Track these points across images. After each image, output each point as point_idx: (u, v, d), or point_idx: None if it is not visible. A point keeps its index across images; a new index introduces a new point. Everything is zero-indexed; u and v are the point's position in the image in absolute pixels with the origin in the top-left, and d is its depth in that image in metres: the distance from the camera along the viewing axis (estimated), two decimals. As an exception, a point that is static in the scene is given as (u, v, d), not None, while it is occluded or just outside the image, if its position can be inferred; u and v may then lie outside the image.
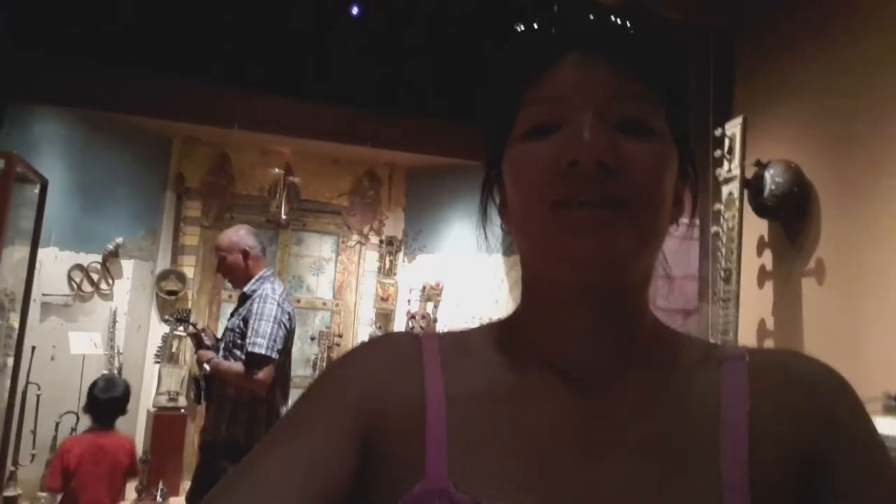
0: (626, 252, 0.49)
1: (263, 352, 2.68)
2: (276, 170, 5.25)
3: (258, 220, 5.44)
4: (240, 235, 2.97)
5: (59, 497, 3.11)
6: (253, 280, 2.89)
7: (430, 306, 5.34)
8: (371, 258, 5.77)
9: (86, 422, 4.54)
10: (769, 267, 2.52)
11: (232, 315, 2.96)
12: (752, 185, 2.43)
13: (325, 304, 5.71)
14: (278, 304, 2.79)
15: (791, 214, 2.37)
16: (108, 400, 3.26)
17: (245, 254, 2.91)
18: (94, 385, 3.33)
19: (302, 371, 5.55)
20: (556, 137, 0.50)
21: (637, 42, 0.51)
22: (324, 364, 5.36)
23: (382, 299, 5.65)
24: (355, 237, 5.75)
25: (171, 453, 4.62)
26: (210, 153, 5.43)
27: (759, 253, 2.57)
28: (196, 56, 4.29)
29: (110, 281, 4.90)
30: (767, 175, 2.38)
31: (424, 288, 5.39)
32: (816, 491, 0.50)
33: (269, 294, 2.80)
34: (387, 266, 5.69)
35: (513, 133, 0.53)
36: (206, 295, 5.39)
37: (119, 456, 3.17)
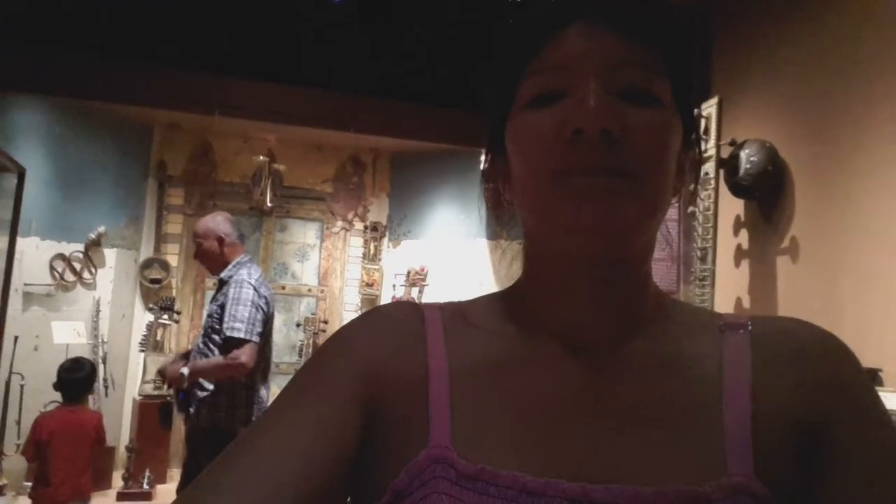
0: (630, 221, 0.49)
1: (242, 335, 2.69)
2: (260, 157, 5.22)
3: (242, 207, 5.42)
4: (216, 222, 2.98)
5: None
6: (230, 266, 2.90)
7: (415, 291, 5.35)
8: (356, 244, 5.77)
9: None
10: (745, 246, 2.55)
11: (211, 302, 2.97)
12: (728, 165, 2.44)
13: (310, 290, 5.70)
14: (254, 289, 2.80)
15: (766, 193, 2.39)
16: (74, 379, 3.55)
17: (220, 240, 2.92)
18: (62, 366, 3.63)
19: (288, 357, 5.55)
20: (560, 106, 0.50)
21: (642, 11, 0.51)
22: (310, 350, 5.36)
23: (367, 285, 5.65)
24: (340, 223, 5.74)
25: (158, 441, 4.62)
26: (192, 140, 5.39)
27: (736, 232, 2.59)
28: (176, 42, 4.25)
29: (93, 270, 4.87)
30: (742, 155, 2.40)
31: (409, 273, 5.40)
32: (818, 455, 0.50)
33: (244, 279, 2.81)
34: (371, 252, 5.69)
35: (516, 102, 0.53)
36: (190, 283, 5.37)
37: (87, 428, 3.46)
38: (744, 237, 2.56)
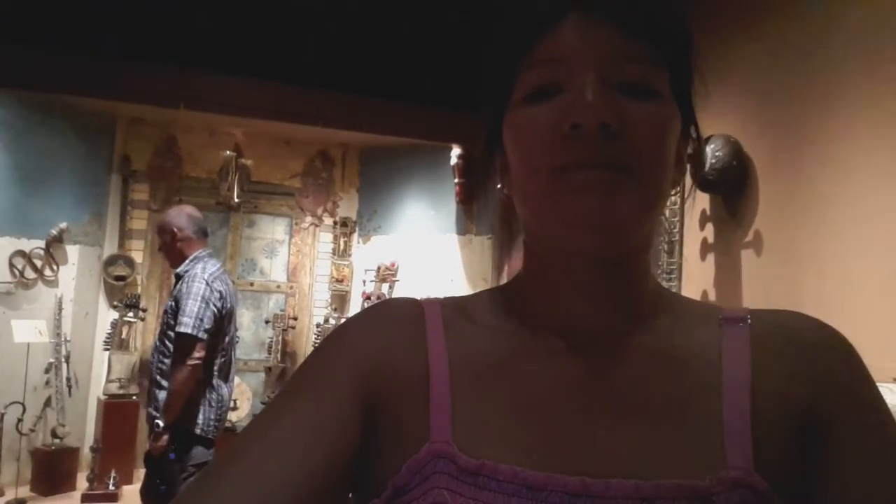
0: (629, 215, 0.49)
1: (189, 331, 2.68)
2: (227, 152, 5.15)
3: (208, 202, 5.34)
4: (171, 217, 2.99)
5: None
6: (187, 261, 2.88)
7: (385, 287, 5.33)
8: (325, 240, 5.73)
9: (32, 412, 4.44)
10: (711, 239, 2.59)
11: (169, 298, 2.95)
12: (694, 160, 2.48)
13: (279, 286, 5.65)
14: (206, 284, 2.78)
15: (731, 188, 2.43)
16: None
17: (173, 235, 2.91)
18: None
19: (257, 354, 5.50)
20: (558, 100, 0.49)
21: (638, 3, 0.50)
22: (279, 347, 5.32)
23: (337, 281, 5.62)
24: (309, 219, 5.70)
25: (123, 441, 4.55)
26: (156, 134, 5.29)
27: (702, 226, 2.63)
28: (140, 34, 4.16)
29: (55, 267, 4.76)
30: (708, 149, 2.43)
31: (379, 269, 5.38)
32: (818, 448, 0.50)
33: (197, 273, 2.79)
34: (341, 247, 5.66)
35: (513, 97, 0.52)
36: (155, 280, 5.28)
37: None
38: (709, 231, 2.60)
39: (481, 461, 0.49)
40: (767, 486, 0.47)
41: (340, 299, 5.65)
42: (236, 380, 5.07)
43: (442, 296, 0.62)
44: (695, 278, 2.59)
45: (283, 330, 5.35)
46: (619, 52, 0.49)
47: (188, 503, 0.46)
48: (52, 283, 4.76)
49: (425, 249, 5.42)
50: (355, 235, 5.74)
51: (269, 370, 5.31)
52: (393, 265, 5.40)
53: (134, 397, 4.77)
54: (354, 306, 5.55)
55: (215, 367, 2.83)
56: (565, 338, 0.55)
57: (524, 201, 0.54)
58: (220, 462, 0.49)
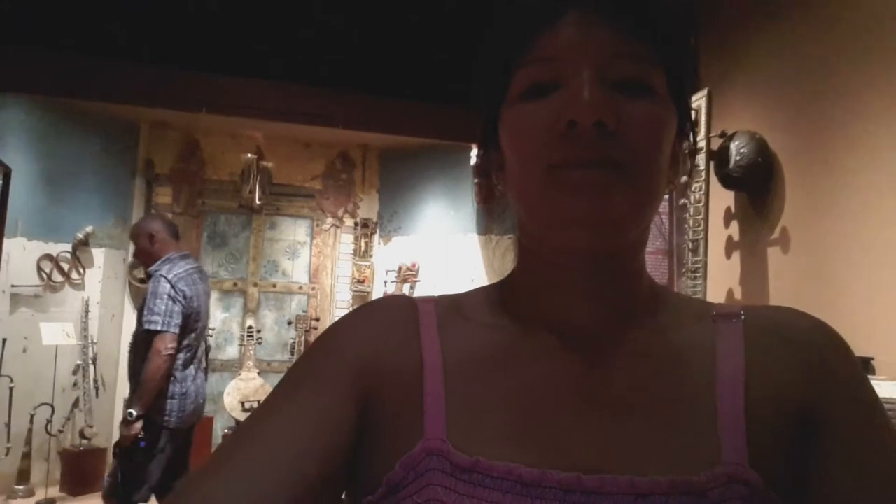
0: (624, 213, 0.49)
1: (158, 328, 2.84)
2: (248, 155, 5.19)
3: (230, 205, 5.40)
4: (146, 221, 3.21)
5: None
6: (159, 262, 3.03)
7: (406, 288, 5.34)
8: (346, 241, 5.75)
9: (61, 413, 4.51)
10: (736, 237, 2.55)
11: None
12: (718, 157, 2.45)
13: (300, 288, 5.68)
14: (170, 284, 2.93)
15: (756, 185, 2.40)
16: None
17: (151, 237, 3.07)
18: None
19: (280, 356, 5.54)
20: (554, 97, 0.49)
21: (637, 1, 0.50)
22: (301, 348, 5.35)
23: (359, 282, 5.64)
24: (330, 220, 5.73)
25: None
26: (179, 138, 5.35)
27: (727, 224, 2.59)
28: (162, 40, 4.21)
29: (81, 270, 4.83)
30: (732, 146, 2.40)
31: (400, 269, 5.39)
32: (812, 443, 0.50)
33: (163, 274, 2.95)
34: (362, 248, 5.68)
35: (509, 94, 0.52)
36: (180, 282, 5.34)
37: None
38: (734, 229, 2.56)
39: (475, 458, 0.49)
40: (761, 480, 0.47)
41: (362, 300, 5.67)
42: (259, 380, 5.11)
43: (428, 295, 0.62)
44: (720, 276, 2.56)
45: (306, 331, 5.38)
46: (616, 49, 0.49)
47: (182, 501, 0.45)
48: (79, 286, 4.83)
49: (446, 250, 5.42)
50: (376, 236, 5.76)
51: (291, 371, 5.34)
52: (414, 266, 5.41)
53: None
54: (376, 307, 5.56)
55: (179, 362, 2.98)
56: (560, 335, 0.55)
57: (519, 198, 0.53)
58: (213, 461, 0.48)
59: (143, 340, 2.89)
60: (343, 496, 0.53)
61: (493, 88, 0.54)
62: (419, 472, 0.49)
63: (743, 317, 0.56)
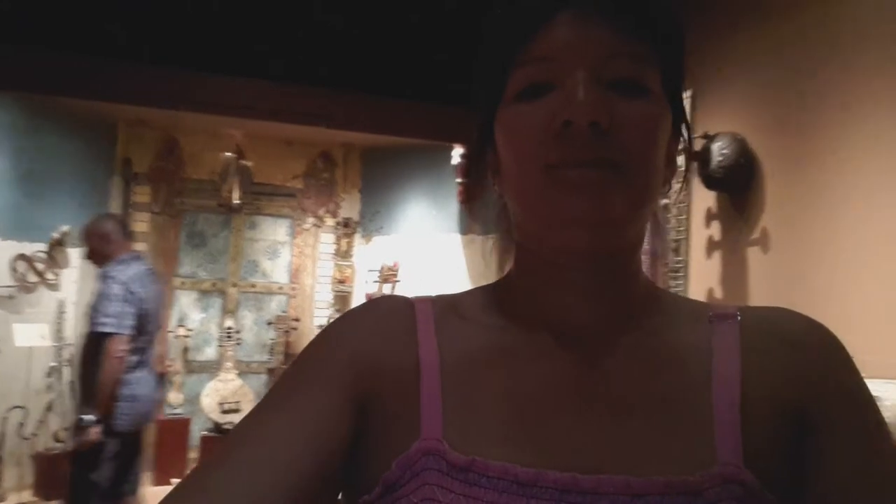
0: (620, 213, 0.49)
1: (110, 330, 2.81)
2: (227, 154, 5.13)
3: (210, 204, 5.34)
4: (100, 221, 3.16)
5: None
6: (112, 263, 3.00)
7: (387, 287, 5.32)
8: (327, 241, 5.72)
9: (34, 416, 4.43)
10: (717, 237, 2.57)
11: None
12: (700, 158, 2.46)
13: (281, 288, 5.64)
14: (122, 285, 2.89)
15: (737, 185, 2.41)
16: None
17: (104, 237, 3.05)
18: None
19: (259, 356, 5.49)
20: (550, 98, 0.50)
21: (631, 0, 0.50)
22: (281, 349, 5.31)
23: (340, 282, 5.61)
24: (311, 220, 5.69)
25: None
26: (158, 137, 5.29)
27: (708, 224, 2.61)
28: (140, 37, 4.15)
29: (57, 270, 4.75)
30: (714, 147, 2.41)
31: (382, 269, 5.37)
32: (807, 443, 0.50)
33: (114, 275, 2.92)
34: (343, 248, 5.65)
35: (505, 94, 0.53)
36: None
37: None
38: (715, 229, 2.58)
39: (471, 457, 0.49)
40: (757, 481, 0.47)
41: (343, 300, 5.64)
42: (238, 381, 5.06)
43: (425, 295, 0.62)
44: (701, 276, 2.58)
45: (286, 331, 5.34)
46: (611, 49, 0.49)
47: (179, 501, 0.45)
48: (55, 287, 4.75)
49: (428, 250, 5.41)
50: (357, 236, 5.73)
51: (271, 372, 5.30)
52: (395, 265, 5.39)
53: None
54: (357, 307, 5.54)
55: (129, 364, 2.94)
56: (556, 335, 0.55)
57: (516, 199, 0.54)
58: (209, 462, 0.48)
59: (95, 343, 2.84)
60: (340, 496, 0.54)
61: (490, 88, 0.54)
62: (415, 472, 0.49)
63: (739, 317, 0.56)
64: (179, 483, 0.47)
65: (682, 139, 0.58)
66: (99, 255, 3.04)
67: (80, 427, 2.77)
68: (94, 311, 2.85)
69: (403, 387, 0.53)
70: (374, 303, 0.61)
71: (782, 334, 0.54)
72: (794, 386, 0.52)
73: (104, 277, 2.92)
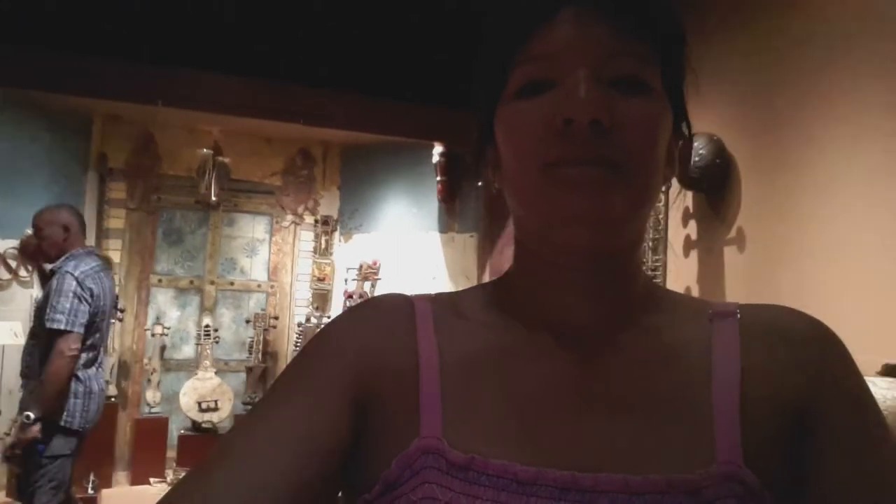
0: (620, 212, 0.49)
1: (63, 327, 2.73)
2: (204, 150, 5.08)
3: (187, 200, 5.28)
4: (60, 211, 3.04)
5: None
6: (63, 257, 2.91)
7: (367, 285, 5.31)
8: (306, 238, 5.69)
9: (7, 416, 4.35)
10: (694, 237, 2.61)
11: (41, 295, 2.98)
12: (683, 157, 2.50)
13: (259, 286, 5.60)
14: (77, 281, 2.82)
15: (713, 185, 2.45)
16: None
17: (65, 228, 2.94)
18: None
19: (238, 354, 5.45)
20: (550, 95, 0.49)
21: None
22: (260, 347, 5.27)
23: (319, 280, 5.58)
24: (289, 217, 5.65)
25: (102, 443, 4.47)
26: (134, 132, 5.21)
27: (685, 223, 2.65)
28: (117, 30, 4.09)
29: (30, 267, 4.66)
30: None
31: (361, 267, 5.36)
32: (807, 442, 0.50)
33: (68, 270, 2.83)
34: (322, 246, 5.62)
35: (506, 92, 0.52)
36: (133, 280, 5.21)
37: None
38: (692, 228, 2.62)
39: (471, 456, 0.49)
40: (756, 479, 0.48)
41: (322, 298, 5.62)
42: (217, 380, 5.02)
43: (425, 293, 0.62)
44: (679, 275, 2.62)
45: (265, 329, 5.31)
46: (612, 47, 0.49)
47: (178, 501, 0.45)
48: (28, 284, 4.67)
49: (407, 247, 5.40)
50: (337, 234, 5.71)
51: (249, 370, 5.26)
52: (375, 263, 5.38)
53: (112, 399, 4.70)
54: (336, 305, 5.52)
55: (81, 361, 2.88)
56: (556, 334, 0.55)
57: (516, 197, 0.54)
58: (208, 461, 0.48)
59: (44, 339, 2.78)
60: (340, 494, 0.54)
61: (490, 86, 0.54)
62: (415, 471, 0.49)
63: (739, 315, 0.56)
64: (179, 481, 0.47)
65: (682, 138, 0.57)
66: (55, 246, 2.93)
67: (24, 424, 2.69)
68: (46, 306, 2.77)
69: (403, 385, 0.53)
70: (373, 301, 0.61)
71: (782, 332, 0.54)
72: (794, 384, 0.52)
73: (56, 272, 2.84)
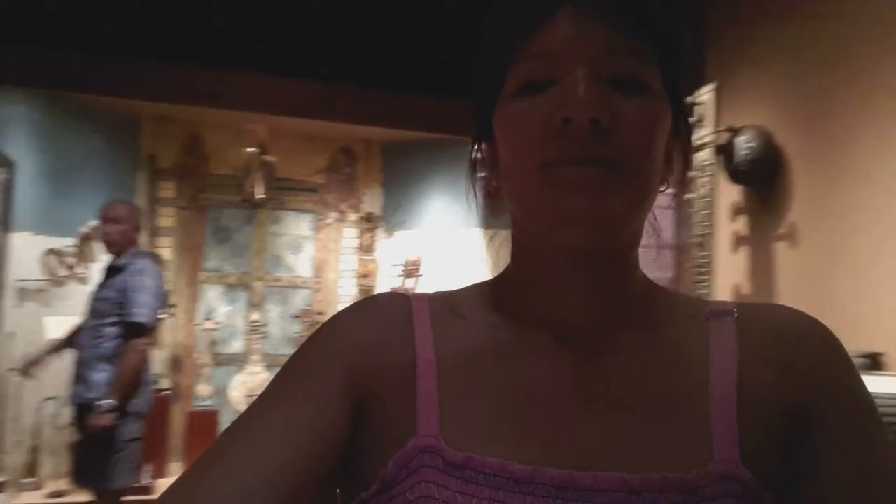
0: (618, 212, 0.49)
1: (145, 321, 2.93)
2: (251, 149, 5.18)
3: (233, 199, 5.39)
4: (135, 208, 3.26)
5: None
6: (129, 254, 3.06)
7: (410, 282, 5.35)
8: (350, 235, 5.75)
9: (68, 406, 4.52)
10: (743, 232, 2.57)
11: (101, 286, 3.11)
12: (725, 152, 2.46)
13: (304, 282, 5.69)
14: (153, 277, 3.03)
15: (763, 179, 2.41)
16: None
17: (137, 228, 3.15)
18: None
19: (284, 349, 5.55)
20: (549, 94, 0.49)
21: None
22: (306, 342, 5.36)
23: (363, 276, 5.65)
24: (333, 214, 5.72)
25: (157, 435, 4.61)
26: (182, 133, 5.34)
27: (733, 218, 2.61)
28: (164, 34, 4.20)
29: (85, 264, 4.83)
30: (740, 141, 2.41)
31: (405, 263, 5.40)
32: (804, 441, 0.51)
33: (144, 268, 3.02)
34: (366, 243, 5.68)
35: (505, 90, 0.52)
36: (184, 276, 5.35)
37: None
38: (741, 223, 2.58)
39: (468, 454, 0.49)
40: (753, 478, 0.48)
41: (366, 294, 5.67)
42: (265, 374, 5.13)
43: (422, 292, 0.62)
44: (727, 272, 2.58)
45: (310, 325, 5.39)
46: (612, 47, 0.49)
47: (174, 498, 0.46)
48: (84, 281, 4.84)
49: (450, 244, 5.42)
50: (379, 231, 5.76)
51: (296, 365, 5.36)
52: (417, 260, 5.42)
53: (167, 391, 4.84)
54: (380, 301, 5.56)
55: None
56: (553, 332, 0.55)
57: (515, 195, 0.54)
58: (207, 458, 0.48)
59: (119, 331, 2.94)
60: (337, 492, 0.54)
61: (489, 85, 0.54)
62: (412, 469, 0.49)
63: (736, 314, 0.56)
64: (176, 480, 0.47)
65: (682, 137, 0.57)
66: (128, 241, 3.09)
67: (99, 411, 2.83)
68: (126, 301, 2.92)
69: (400, 384, 0.53)
70: (371, 299, 0.61)
71: (780, 332, 0.54)
72: (792, 384, 0.52)
73: (135, 270, 3.00)
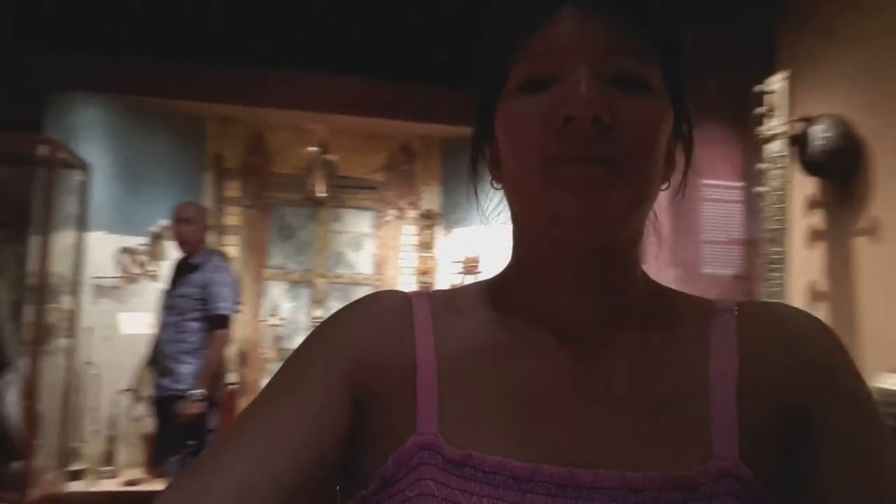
0: (618, 211, 0.49)
1: (229, 312, 3.19)
2: (312, 148, 5.27)
3: (296, 197, 5.50)
4: (201, 211, 3.48)
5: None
6: (202, 252, 3.29)
7: (469, 279, 5.35)
8: (409, 232, 5.79)
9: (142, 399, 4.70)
10: (819, 227, 2.45)
11: (177, 284, 3.29)
12: (799, 143, 2.35)
13: (365, 279, 5.76)
14: (231, 273, 3.29)
15: (840, 171, 2.29)
16: None
17: (205, 227, 3.37)
18: None
19: (345, 345, 5.64)
20: (551, 92, 0.49)
21: None
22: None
23: (423, 273, 5.68)
24: (393, 212, 5.77)
25: (226, 427, 4.75)
26: (245, 133, 5.49)
27: (808, 212, 2.49)
28: (225, 37, 4.31)
29: (156, 262, 5.01)
30: (814, 131, 2.30)
31: (465, 260, 5.40)
32: (803, 439, 0.50)
33: (222, 265, 3.27)
34: (426, 240, 5.71)
35: (506, 87, 0.52)
36: (250, 273, 5.49)
37: None
38: (816, 217, 2.46)
39: (467, 452, 0.49)
40: (753, 476, 0.48)
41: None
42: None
43: (423, 290, 0.63)
44: (802, 268, 2.47)
45: (371, 322, 5.46)
46: (613, 45, 0.49)
47: (175, 496, 0.46)
48: (155, 278, 5.02)
49: (507, 240, 5.39)
50: (438, 228, 5.78)
51: (357, 360, 5.44)
52: (476, 257, 5.41)
53: (235, 385, 4.98)
54: (439, 298, 5.60)
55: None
56: (554, 330, 0.55)
57: (515, 193, 0.55)
58: (208, 454, 0.49)
59: (201, 325, 3.12)
60: (337, 489, 0.54)
61: (491, 82, 0.54)
62: (411, 467, 0.50)
63: (737, 312, 0.56)
64: (178, 477, 0.48)
65: (682, 137, 0.57)
66: (200, 240, 3.30)
67: (190, 400, 2.98)
68: (209, 296, 3.11)
69: (400, 381, 0.54)
70: (372, 297, 0.62)
71: (780, 330, 0.54)
72: (792, 382, 0.52)
73: (213, 267, 3.19)
